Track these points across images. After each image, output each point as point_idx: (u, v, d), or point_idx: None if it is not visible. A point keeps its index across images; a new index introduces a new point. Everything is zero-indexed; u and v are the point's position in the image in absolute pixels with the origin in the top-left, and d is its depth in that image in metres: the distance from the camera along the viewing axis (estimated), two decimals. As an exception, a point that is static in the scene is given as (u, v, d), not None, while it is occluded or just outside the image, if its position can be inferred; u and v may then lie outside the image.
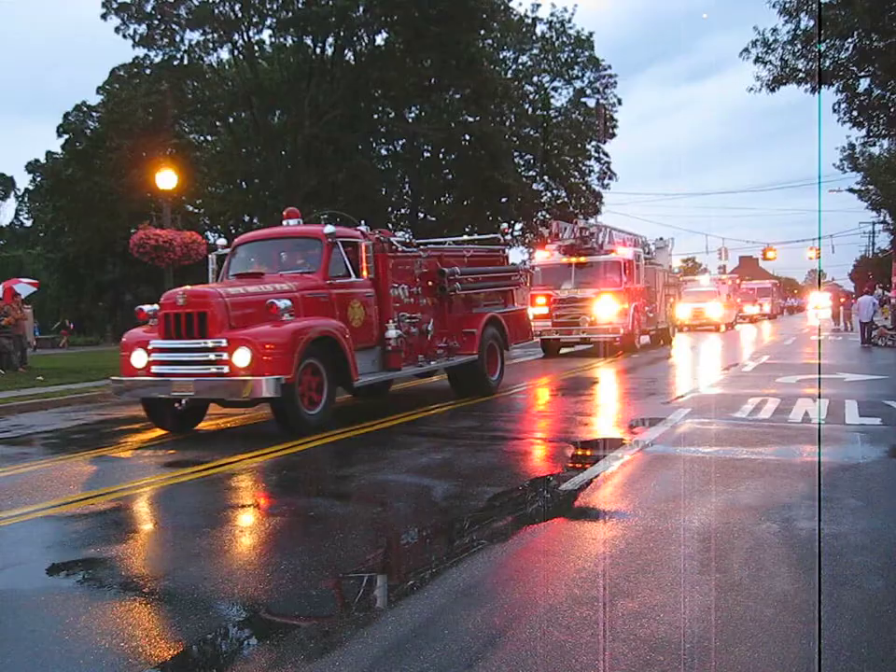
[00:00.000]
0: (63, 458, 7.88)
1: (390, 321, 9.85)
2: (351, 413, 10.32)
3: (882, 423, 8.37)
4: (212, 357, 8.18)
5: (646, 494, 5.61)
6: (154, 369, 8.52)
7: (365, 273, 9.57)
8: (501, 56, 37.92)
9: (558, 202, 39.54)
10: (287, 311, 8.41)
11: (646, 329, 21.72)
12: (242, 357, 8.03)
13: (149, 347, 8.56)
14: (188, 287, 8.90)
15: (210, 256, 10.88)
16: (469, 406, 10.71)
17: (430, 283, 10.97)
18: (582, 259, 19.94)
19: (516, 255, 36.10)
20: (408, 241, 10.83)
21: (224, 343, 8.13)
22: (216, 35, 30.98)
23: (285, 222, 10.43)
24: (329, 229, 9.49)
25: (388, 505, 5.75)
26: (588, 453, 7.60)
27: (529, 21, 38.23)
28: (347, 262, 9.50)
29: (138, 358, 8.63)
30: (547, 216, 36.56)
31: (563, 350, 20.83)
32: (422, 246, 11.14)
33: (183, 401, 8.57)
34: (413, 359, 10.41)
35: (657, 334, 23.29)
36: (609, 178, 41.17)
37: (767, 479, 5.96)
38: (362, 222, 10.52)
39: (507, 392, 12.21)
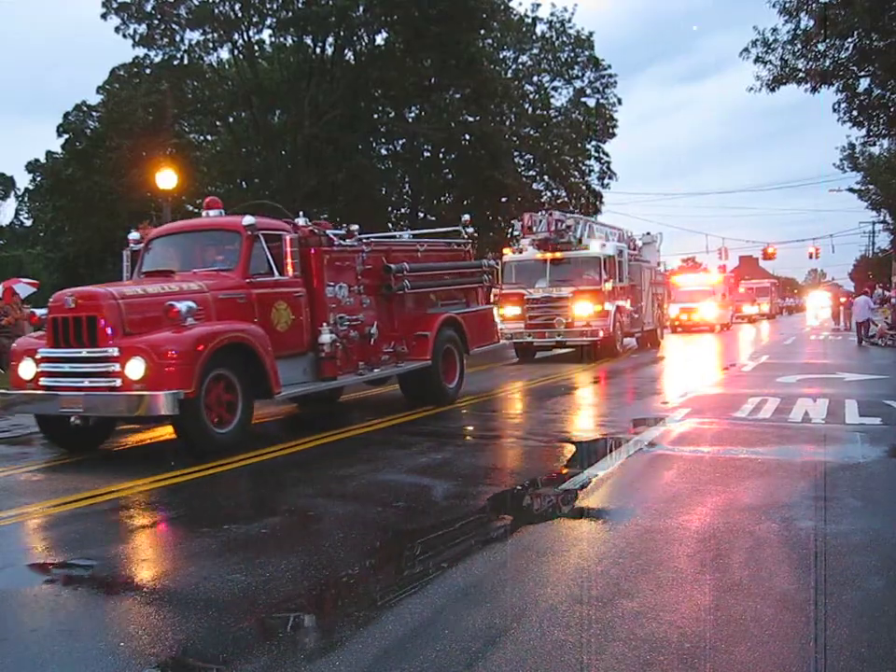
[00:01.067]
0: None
1: (324, 324, 8.77)
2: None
3: (882, 422, 8.37)
4: (102, 368, 7.14)
5: (646, 494, 5.61)
6: (42, 381, 7.47)
7: (290, 269, 8.43)
8: (501, 56, 37.89)
9: (558, 201, 39.51)
10: (190, 314, 7.32)
11: (630, 332, 20.30)
12: (135, 369, 6.98)
13: (37, 357, 7.53)
14: (78, 287, 7.92)
15: (124, 252, 9.68)
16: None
17: (375, 281, 9.81)
18: (558, 254, 18.25)
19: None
20: (348, 233, 9.59)
21: (115, 352, 7.08)
22: (216, 35, 30.96)
23: (204, 213, 9.19)
24: (247, 220, 8.34)
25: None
26: (588, 453, 7.60)
27: (529, 20, 38.22)
28: (271, 258, 8.40)
29: (26, 369, 7.58)
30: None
31: (539, 354, 19.43)
32: (365, 240, 9.81)
33: (72, 419, 7.39)
34: (352, 366, 9.27)
35: (644, 336, 21.94)
36: (609, 178, 41.14)
37: (767, 478, 5.96)
38: (301, 213, 9.31)
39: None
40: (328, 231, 9.28)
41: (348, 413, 10.83)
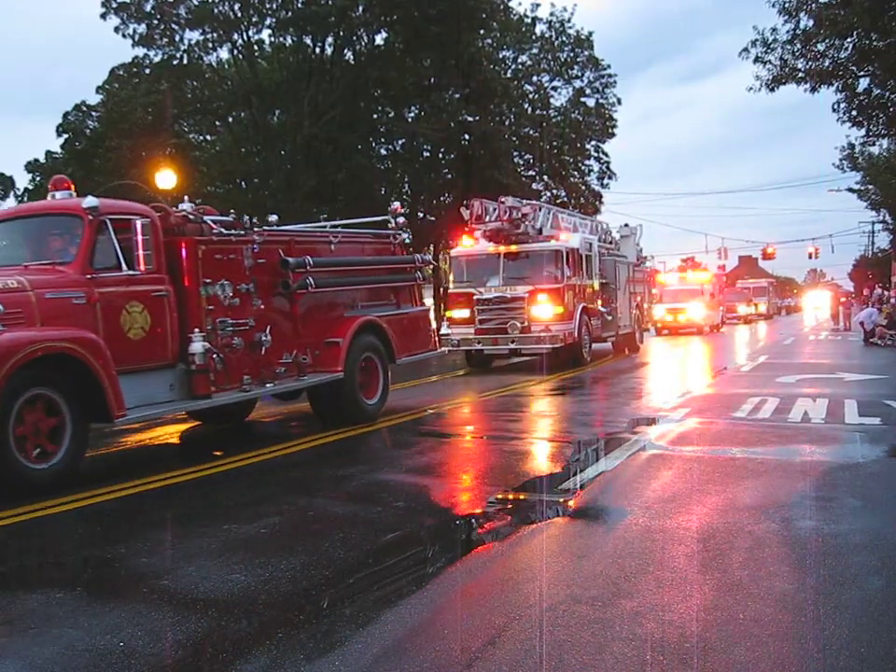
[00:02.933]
0: None
1: (196, 330, 7.28)
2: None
3: (882, 422, 8.37)
4: None
5: (646, 494, 5.61)
6: None
7: (143, 263, 6.84)
8: (501, 56, 37.91)
9: (558, 201, 39.57)
10: None
11: (600, 336, 17.90)
12: None
13: None
14: None
15: None
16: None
17: (270, 278, 8.36)
18: (513, 247, 15.83)
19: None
20: (235, 221, 8.18)
21: None
22: (215, 35, 30.99)
23: (49, 195, 7.50)
24: (89, 201, 6.89)
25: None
26: (588, 453, 7.60)
27: (529, 20, 38.25)
28: (119, 250, 6.88)
29: None
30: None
31: (497, 363, 17.26)
32: (257, 230, 8.30)
33: None
34: (234, 381, 7.69)
35: (621, 340, 19.69)
36: (609, 178, 41.18)
37: (767, 478, 5.97)
38: (185, 198, 7.91)
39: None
40: (206, 218, 7.85)
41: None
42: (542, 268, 15.69)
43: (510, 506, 5.62)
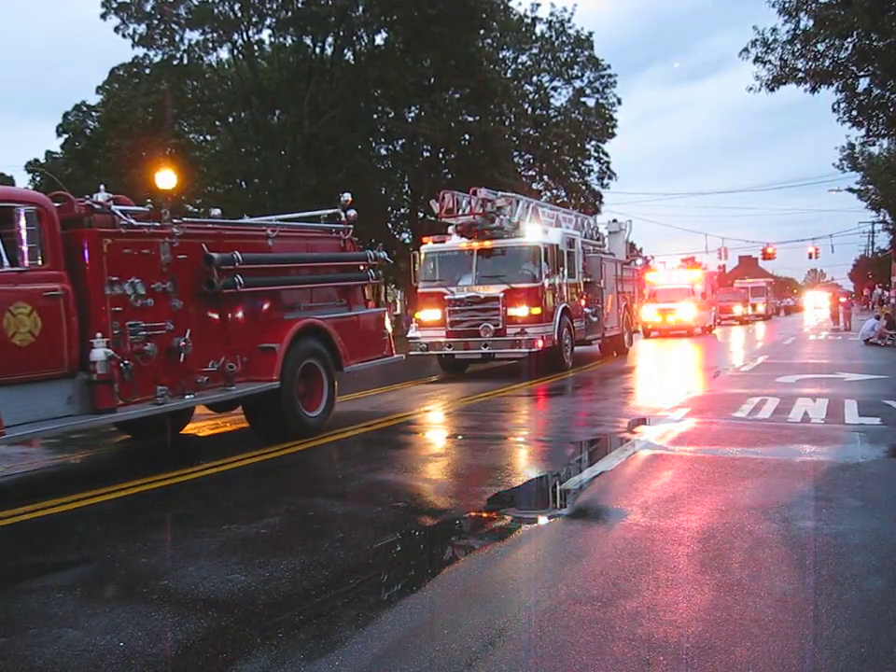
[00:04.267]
0: None
1: (99, 335, 6.35)
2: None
3: (882, 422, 8.37)
4: None
5: (646, 494, 5.61)
6: None
7: (27, 259, 6.03)
8: (501, 56, 38.00)
9: (558, 201, 39.63)
10: None
11: (585, 339, 16.86)
12: None
13: None
14: None
15: None
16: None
17: (191, 276, 7.45)
18: (487, 243, 14.67)
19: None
20: (150, 212, 7.29)
21: None
22: (215, 35, 31.04)
23: None
24: None
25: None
26: (588, 452, 7.60)
27: (529, 20, 38.35)
28: (1, 243, 6.08)
29: None
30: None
31: (473, 367, 16.07)
32: (176, 221, 7.34)
33: None
34: (146, 392, 6.77)
35: (608, 343, 18.73)
36: (609, 178, 41.27)
37: (767, 478, 5.96)
38: (101, 187, 7.06)
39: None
40: (115, 209, 6.84)
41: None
42: (519, 265, 14.55)
43: (509, 506, 5.61)
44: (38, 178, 41.04)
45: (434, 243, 15.46)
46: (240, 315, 8.01)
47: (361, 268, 9.90)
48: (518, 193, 17.71)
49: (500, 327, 14.10)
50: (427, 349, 14.69)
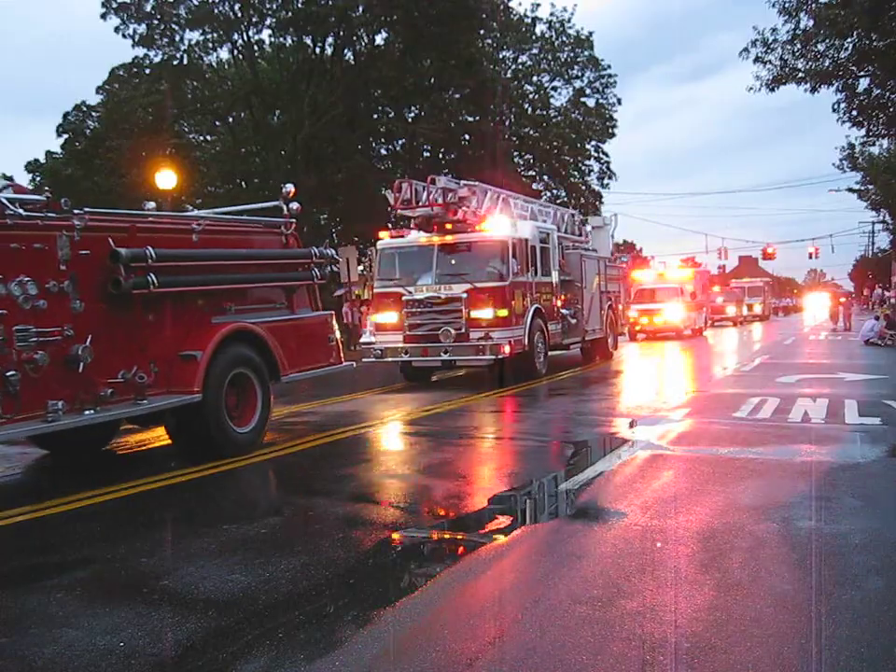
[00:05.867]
0: None
1: None
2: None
3: (882, 423, 8.37)
4: None
5: (646, 494, 5.61)
6: None
7: None
8: (501, 56, 37.98)
9: (558, 201, 39.65)
10: None
11: (562, 343, 15.35)
12: None
13: None
14: None
15: None
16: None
17: (96, 275, 6.51)
18: (448, 238, 13.23)
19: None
20: (46, 202, 6.21)
21: None
22: (215, 35, 31.08)
23: None
24: None
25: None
26: (588, 453, 7.60)
27: (529, 20, 38.34)
28: None
29: None
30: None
31: (442, 375, 14.69)
32: (77, 212, 6.34)
33: None
34: (35, 407, 5.85)
35: (590, 346, 17.11)
36: (609, 178, 41.27)
37: (767, 478, 5.96)
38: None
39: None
40: (1, 197, 5.96)
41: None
42: (484, 262, 13.08)
43: (509, 506, 5.62)
44: (39, 178, 41.10)
45: (392, 237, 14.09)
46: (156, 318, 7.02)
47: (304, 266, 8.86)
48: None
49: (463, 331, 12.71)
50: (382, 356, 13.24)
